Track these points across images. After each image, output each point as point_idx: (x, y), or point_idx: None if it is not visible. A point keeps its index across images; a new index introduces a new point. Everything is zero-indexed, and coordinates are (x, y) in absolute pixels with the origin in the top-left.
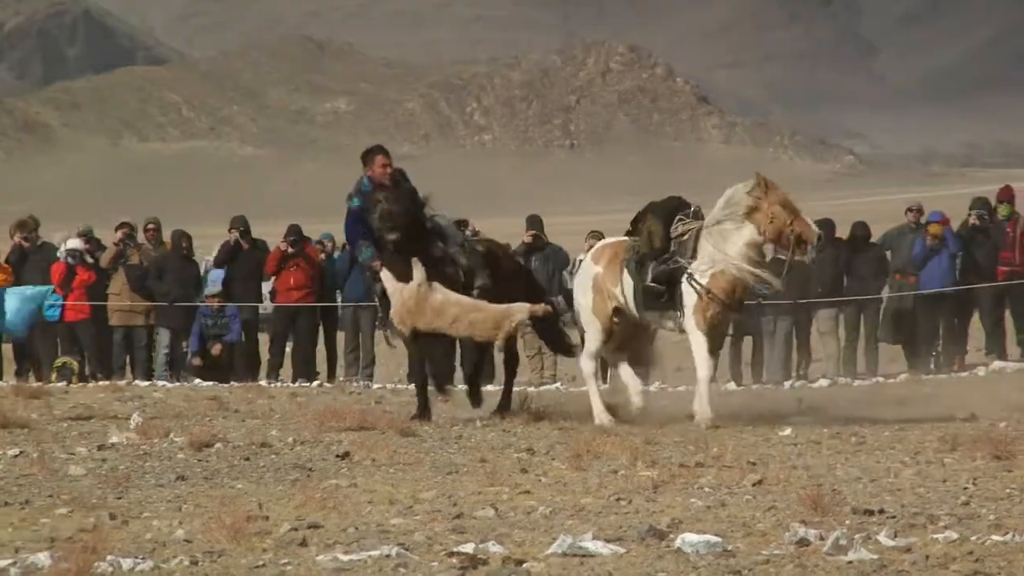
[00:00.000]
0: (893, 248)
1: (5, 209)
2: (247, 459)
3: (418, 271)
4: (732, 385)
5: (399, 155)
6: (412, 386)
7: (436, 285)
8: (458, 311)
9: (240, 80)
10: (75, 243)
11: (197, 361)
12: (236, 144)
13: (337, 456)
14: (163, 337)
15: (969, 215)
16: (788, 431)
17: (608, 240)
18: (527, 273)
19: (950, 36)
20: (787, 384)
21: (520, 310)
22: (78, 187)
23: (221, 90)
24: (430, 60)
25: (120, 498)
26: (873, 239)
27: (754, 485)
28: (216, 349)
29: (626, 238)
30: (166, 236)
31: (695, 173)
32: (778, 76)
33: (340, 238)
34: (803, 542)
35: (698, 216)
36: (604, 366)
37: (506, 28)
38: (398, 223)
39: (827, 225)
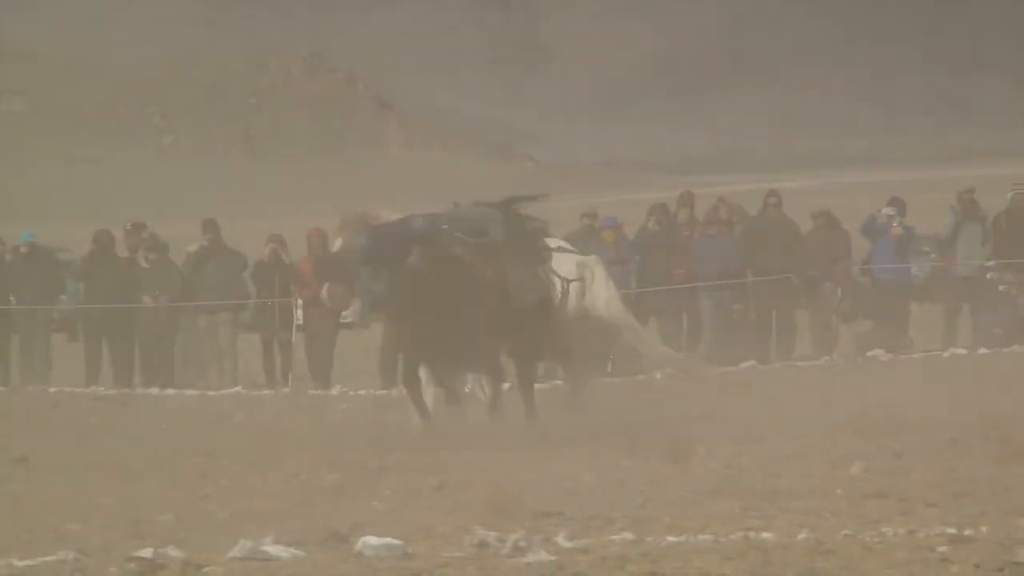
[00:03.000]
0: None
1: None
2: None
3: None
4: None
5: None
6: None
7: None
8: None
9: None
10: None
11: None
12: None
13: (14, 459)
14: None
15: (647, 220)
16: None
17: None
18: None
19: (629, 43)
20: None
21: None
22: None
23: None
24: (110, 60)
25: None
26: None
27: (435, 489)
28: None
29: None
30: None
31: (377, 179)
32: (459, 81)
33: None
34: (483, 544)
35: None
36: None
37: (187, 28)
38: None
39: None
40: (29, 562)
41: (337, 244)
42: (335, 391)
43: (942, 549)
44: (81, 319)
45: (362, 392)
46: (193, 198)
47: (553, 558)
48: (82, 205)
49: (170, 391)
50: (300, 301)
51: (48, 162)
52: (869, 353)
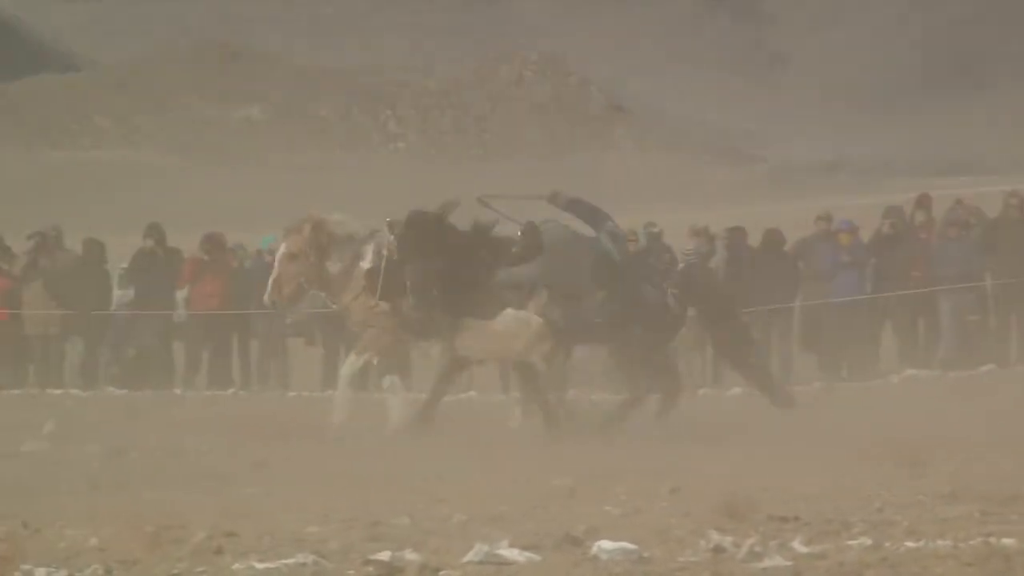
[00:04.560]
0: (805, 257)
1: None
2: (161, 467)
3: None
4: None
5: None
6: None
7: None
8: None
9: (151, 87)
10: None
11: (115, 369)
12: (148, 152)
13: (253, 464)
14: (76, 345)
15: (882, 223)
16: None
17: None
18: None
19: (860, 44)
20: (700, 392)
21: None
22: None
23: (132, 98)
24: (343, 68)
25: (33, 506)
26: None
27: (670, 492)
28: (130, 354)
29: None
30: (72, 244)
31: (609, 182)
32: (690, 84)
33: (252, 246)
34: (719, 549)
35: None
36: None
37: (419, 36)
38: None
39: (737, 233)
40: (269, 565)
41: (282, 249)
42: (569, 395)
43: None
44: (320, 324)
45: (594, 397)
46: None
47: (789, 564)
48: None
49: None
50: None
51: (283, 168)
52: None
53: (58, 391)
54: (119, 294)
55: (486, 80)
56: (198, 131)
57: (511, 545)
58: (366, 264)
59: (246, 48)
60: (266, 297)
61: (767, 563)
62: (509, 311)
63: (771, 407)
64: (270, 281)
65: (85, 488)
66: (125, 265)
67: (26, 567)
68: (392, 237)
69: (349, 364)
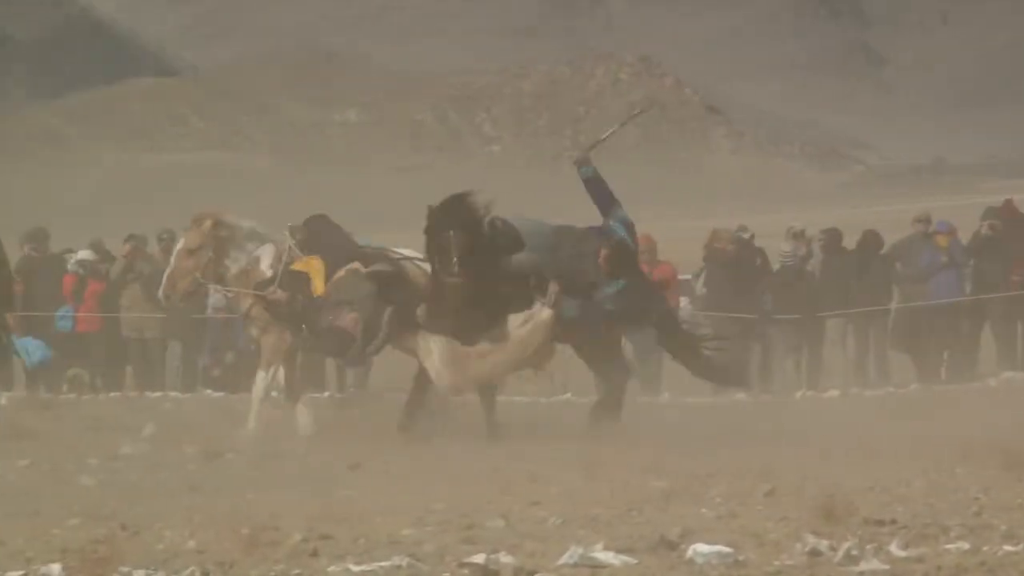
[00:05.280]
0: (902, 258)
1: (20, 221)
2: (258, 469)
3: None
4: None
5: (410, 165)
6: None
7: None
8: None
9: (251, 91)
10: (85, 254)
11: (216, 372)
12: (248, 155)
13: (349, 466)
14: (174, 348)
15: (981, 225)
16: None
17: None
18: None
19: (961, 45)
20: (797, 395)
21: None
22: (90, 198)
23: (232, 101)
24: (440, 70)
25: (132, 509)
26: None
27: (766, 495)
28: (229, 357)
29: None
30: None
31: (704, 183)
32: (787, 86)
33: None
34: (815, 552)
35: None
36: None
37: (515, 38)
38: None
39: (833, 235)
40: (364, 567)
41: (180, 243)
42: (663, 398)
43: None
44: None
45: (690, 400)
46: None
47: (886, 567)
48: (410, 213)
49: (500, 398)
50: None
51: (379, 171)
52: None
53: (157, 394)
54: (216, 297)
55: (582, 82)
56: (296, 134)
57: (606, 548)
58: (265, 266)
59: (343, 52)
60: (160, 291)
61: (864, 567)
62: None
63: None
64: (164, 275)
65: (183, 491)
66: None
67: (125, 569)
68: (292, 242)
69: (259, 383)
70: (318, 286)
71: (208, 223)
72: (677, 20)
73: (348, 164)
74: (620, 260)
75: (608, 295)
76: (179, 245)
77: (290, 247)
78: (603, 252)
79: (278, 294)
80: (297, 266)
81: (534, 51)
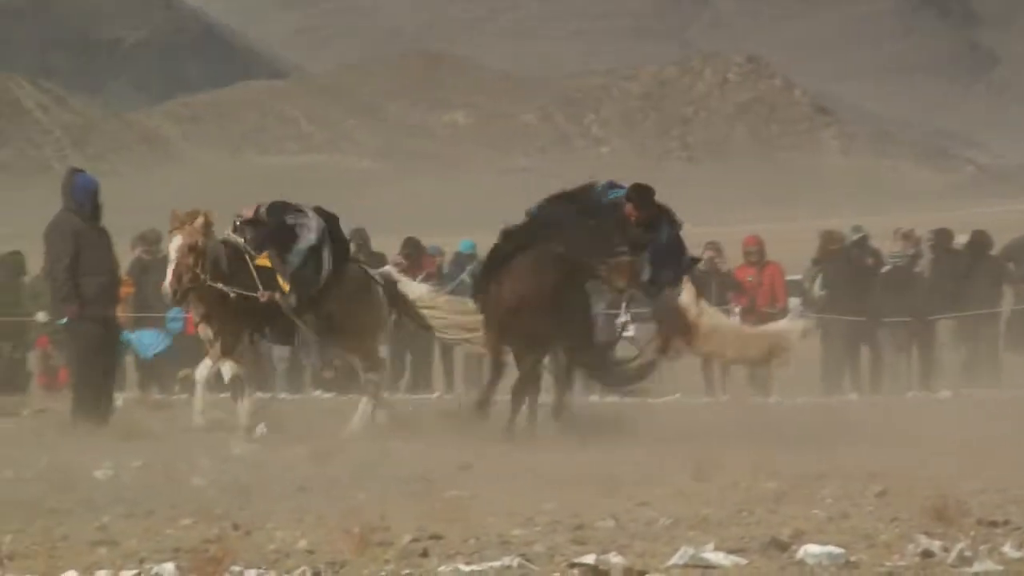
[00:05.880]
0: (1015, 259)
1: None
2: (368, 470)
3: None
4: (853, 396)
5: (517, 168)
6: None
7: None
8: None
9: (358, 94)
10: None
11: (328, 373)
12: (355, 157)
13: (458, 466)
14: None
15: None
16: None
17: None
18: None
19: None
20: (908, 395)
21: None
22: (198, 200)
23: (339, 104)
24: (547, 72)
25: (243, 509)
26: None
27: (877, 496)
28: (337, 361)
29: None
30: None
31: (813, 184)
32: (896, 86)
33: (451, 250)
34: (927, 554)
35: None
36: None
37: (622, 40)
38: None
39: (943, 235)
40: (475, 567)
41: (178, 240)
42: (772, 399)
43: None
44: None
45: (799, 400)
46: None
47: (1000, 568)
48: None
49: (610, 399)
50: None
51: (484, 173)
52: None
53: (266, 395)
54: None
55: (690, 83)
56: (404, 136)
57: (716, 549)
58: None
59: (450, 54)
60: (165, 286)
61: (977, 568)
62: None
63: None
64: (169, 271)
65: (294, 491)
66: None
67: (236, 569)
68: (242, 239)
69: (227, 372)
70: (283, 284)
71: (202, 219)
72: (786, 20)
73: (453, 166)
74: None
75: None
76: (178, 242)
77: (244, 243)
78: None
79: (266, 295)
80: (260, 262)
81: (642, 52)
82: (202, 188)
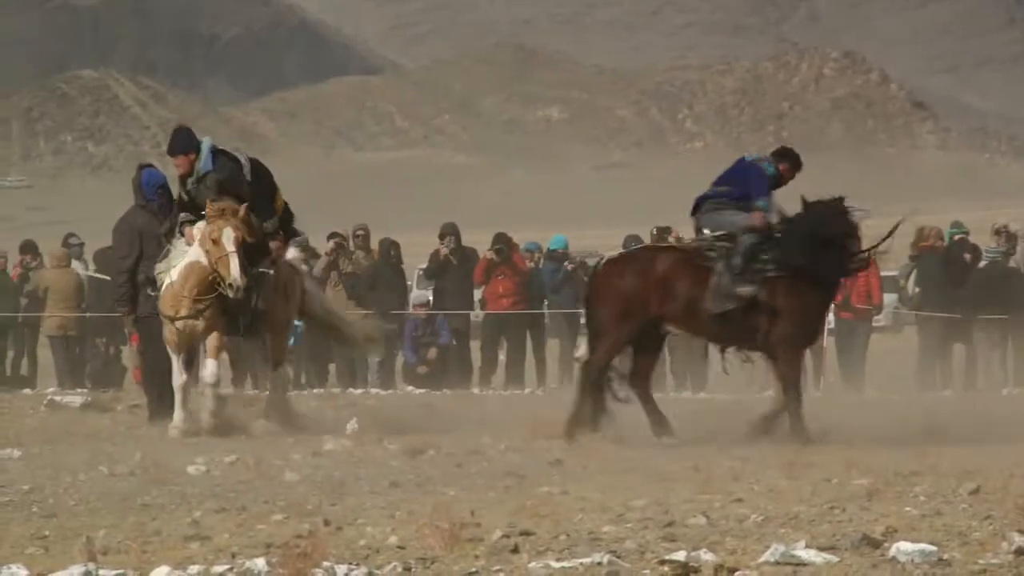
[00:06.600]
0: None
1: None
2: (459, 466)
3: None
4: (947, 392)
5: (611, 163)
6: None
7: None
8: None
9: (453, 89)
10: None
11: (422, 369)
12: (449, 152)
13: (549, 463)
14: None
15: None
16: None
17: None
18: None
19: None
20: (1003, 392)
21: None
22: (293, 196)
23: (434, 99)
24: (642, 67)
25: (334, 504)
26: None
27: (971, 493)
28: (432, 353)
29: None
30: (374, 244)
31: (910, 179)
32: (994, 81)
33: (546, 246)
34: (1020, 551)
35: None
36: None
37: (717, 34)
38: None
39: None
40: (565, 564)
41: (232, 233)
42: (866, 394)
43: None
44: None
45: (894, 397)
46: None
47: None
48: (610, 210)
49: (702, 395)
50: None
51: (579, 168)
52: None
53: (359, 391)
54: (416, 294)
55: (785, 78)
56: (498, 131)
57: (808, 546)
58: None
59: (545, 49)
60: (238, 279)
61: None
62: None
63: None
64: (234, 264)
65: (385, 487)
66: (423, 266)
67: (327, 564)
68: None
69: (207, 369)
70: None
71: (242, 210)
72: (882, 14)
73: (548, 161)
74: None
75: None
76: (233, 235)
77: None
78: None
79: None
80: None
81: (737, 47)
82: (298, 183)
